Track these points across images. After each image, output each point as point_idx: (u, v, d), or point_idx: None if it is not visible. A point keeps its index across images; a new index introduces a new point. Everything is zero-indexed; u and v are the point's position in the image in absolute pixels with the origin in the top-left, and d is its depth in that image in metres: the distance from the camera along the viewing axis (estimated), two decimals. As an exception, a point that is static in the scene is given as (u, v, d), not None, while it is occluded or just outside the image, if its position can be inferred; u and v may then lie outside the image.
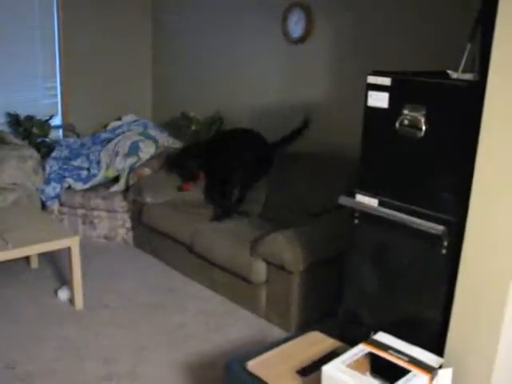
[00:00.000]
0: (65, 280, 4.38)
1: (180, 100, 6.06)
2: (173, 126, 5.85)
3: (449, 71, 2.60)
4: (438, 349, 2.54)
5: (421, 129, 2.52)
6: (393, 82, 2.64)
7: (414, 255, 2.63)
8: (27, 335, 3.64)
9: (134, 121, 5.90)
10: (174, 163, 4.90)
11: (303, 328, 3.59)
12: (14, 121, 5.53)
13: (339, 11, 4.40)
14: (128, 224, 5.11)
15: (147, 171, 5.12)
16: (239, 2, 5.21)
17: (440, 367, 2.38)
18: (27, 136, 5.50)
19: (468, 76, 2.50)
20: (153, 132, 5.61)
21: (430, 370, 2.33)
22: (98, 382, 3.18)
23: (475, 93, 2.29)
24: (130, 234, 5.12)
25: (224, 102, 5.55)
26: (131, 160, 5.24)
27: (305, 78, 4.77)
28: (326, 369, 2.33)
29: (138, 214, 4.91)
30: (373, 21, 4.21)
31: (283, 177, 4.56)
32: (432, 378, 2.32)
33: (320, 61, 4.62)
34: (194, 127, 5.49)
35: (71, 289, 4.02)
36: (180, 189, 4.80)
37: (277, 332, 3.74)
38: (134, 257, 4.90)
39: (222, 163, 4.68)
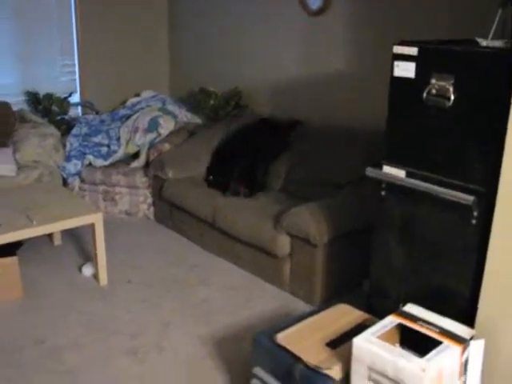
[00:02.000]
0: (88, 256, 4.40)
1: (198, 75, 6.03)
2: (192, 102, 5.83)
3: (478, 39, 2.55)
4: (468, 321, 2.52)
5: (449, 98, 2.48)
6: (420, 51, 2.59)
7: (443, 226, 2.61)
8: (53, 311, 3.68)
9: (153, 96, 5.88)
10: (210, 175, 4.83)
11: (328, 301, 3.59)
12: (34, 99, 5.54)
13: (360, -19, 4.34)
14: (149, 199, 5.11)
15: (167, 147, 5.11)
16: (257, -26, 5.15)
17: (471, 339, 2.37)
18: (47, 114, 5.52)
19: (498, 43, 2.45)
20: (171, 107, 5.59)
21: (462, 341, 2.31)
22: (124, 355, 3.21)
23: (506, 60, 2.24)
24: (152, 209, 5.13)
25: (243, 77, 5.51)
26: (151, 136, 5.23)
27: (324, 51, 4.71)
28: (357, 340, 2.32)
29: (158, 190, 4.91)
30: (394, -10, 4.14)
31: (304, 150, 4.53)
32: (464, 350, 2.30)
33: (339, 32, 4.56)
34: (212, 102, 5.47)
35: (95, 265, 4.04)
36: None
37: (301, 305, 3.74)
38: (155, 232, 4.91)
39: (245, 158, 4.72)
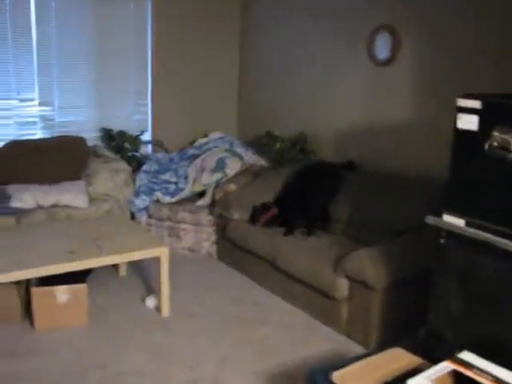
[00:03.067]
0: (151, 288, 4.56)
1: (265, 119, 6.21)
2: (258, 144, 6.00)
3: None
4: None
5: (511, 151, 2.54)
6: (483, 104, 2.67)
7: (502, 276, 2.64)
8: (116, 339, 3.83)
9: (221, 138, 6.08)
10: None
11: (383, 345, 3.61)
12: (108, 135, 5.82)
13: (426, 33, 4.44)
14: (213, 237, 5.26)
15: (233, 187, 5.27)
16: (327, 25, 5.32)
17: (526, 389, 2.38)
18: (119, 150, 5.78)
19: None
20: (238, 149, 5.77)
21: (516, 391, 2.33)
22: (183, 386, 3.32)
23: None
24: (214, 247, 5.27)
25: (308, 122, 5.66)
26: (217, 175, 5.41)
27: (387, 100, 4.82)
28: (412, 383, 2.37)
29: (222, 229, 5.06)
30: (460, 43, 4.22)
31: (365, 196, 4.61)
32: (517, 400, 2.32)
33: (403, 83, 4.67)
34: (278, 145, 5.62)
35: (158, 297, 4.19)
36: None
37: (357, 348, 3.78)
38: (217, 269, 5.04)
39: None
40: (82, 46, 5.62)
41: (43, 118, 5.57)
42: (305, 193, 4.86)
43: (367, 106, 5.04)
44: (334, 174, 4.93)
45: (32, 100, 5.46)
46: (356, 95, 5.13)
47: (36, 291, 3.84)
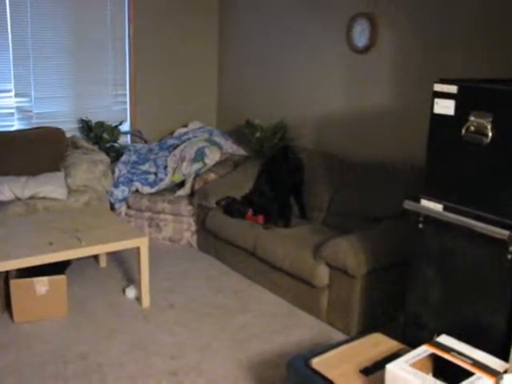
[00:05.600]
0: (132, 279, 4.54)
1: (244, 108, 6.19)
2: (238, 134, 5.99)
3: (516, 79, 2.63)
4: (502, 355, 2.55)
5: (487, 135, 2.56)
6: (459, 89, 2.68)
7: (479, 260, 2.66)
8: (96, 330, 3.81)
9: (200, 128, 6.06)
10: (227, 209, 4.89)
11: (364, 332, 3.63)
12: (86, 126, 5.76)
13: (404, 21, 4.45)
14: (193, 227, 5.25)
15: (212, 176, 5.26)
16: (304, 13, 5.31)
17: (505, 372, 2.39)
18: (98, 141, 5.73)
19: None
20: (218, 139, 5.76)
21: (495, 374, 2.35)
22: (164, 375, 3.30)
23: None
24: (195, 237, 5.26)
25: (288, 111, 5.65)
26: (197, 165, 5.39)
27: (368, 87, 4.82)
28: (390, 367, 2.38)
29: (202, 219, 5.05)
30: (437, 30, 4.23)
31: (345, 184, 4.61)
32: (497, 382, 2.33)
33: (382, 70, 4.67)
34: (258, 134, 5.60)
35: (138, 288, 4.18)
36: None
37: (338, 335, 3.79)
38: (197, 259, 5.03)
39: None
40: (58, 36, 5.54)
41: (20, 109, 5.50)
42: (275, 184, 4.86)
43: (347, 94, 5.04)
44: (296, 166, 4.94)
45: (8, 91, 5.40)
46: (335, 83, 5.13)
47: (15, 283, 3.80)
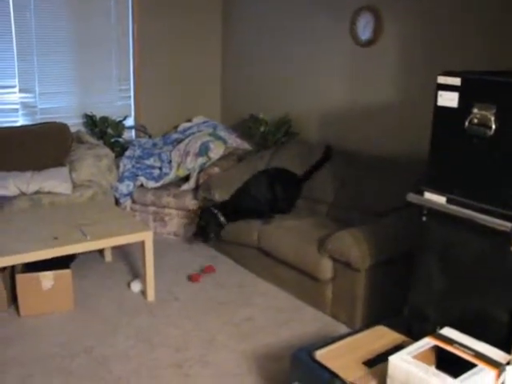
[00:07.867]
0: (137, 273, 4.56)
1: (248, 102, 6.19)
2: (242, 128, 5.99)
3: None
4: (505, 347, 2.55)
5: (490, 127, 2.56)
6: (462, 81, 2.68)
7: (482, 252, 2.67)
8: (102, 323, 3.83)
9: (204, 122, 6.07)
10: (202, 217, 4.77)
11: (368, 325, 3.64)
12: (91, 121, 5.77)
13: (408, 13, 4.44)
14: (197, 222, 5.26)
15: (217, 170, 5.27)
16: (307, 6, 5.30)
17: (508, 364, 2.40)
18: (102, 136, 5.74)
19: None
20: (222, 133, 5.77)
21: (497, 366, 2.35)
22: (169, 367, 3.32)
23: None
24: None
25: (292, 104, 5.65)
26: (201, 160, 5.40)
27: (372, 81, 4.82)
28: (393, 359, 2.39)
29: (207, 212, 5.04)
30: (442, 22, 4.23)
31: (350, 177, 4.61)
32: (499, 374, 2.34)
33: (388, 63, 4.67)
34: (262, 129, 5.60)
35: (143, 281, 4.20)
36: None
37: (342, 328, 3.80)
38: (202, 253, 5.04)
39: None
40: (62, 31, 5.55)
41: (24, 104, 5.52)
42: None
43: (351, 87, 5.04)
44: (294, 183, 4.94)
45: (12, 87, 5.41)
46: (340, 76, 5.13)
47: (21, 278, 3.83)
